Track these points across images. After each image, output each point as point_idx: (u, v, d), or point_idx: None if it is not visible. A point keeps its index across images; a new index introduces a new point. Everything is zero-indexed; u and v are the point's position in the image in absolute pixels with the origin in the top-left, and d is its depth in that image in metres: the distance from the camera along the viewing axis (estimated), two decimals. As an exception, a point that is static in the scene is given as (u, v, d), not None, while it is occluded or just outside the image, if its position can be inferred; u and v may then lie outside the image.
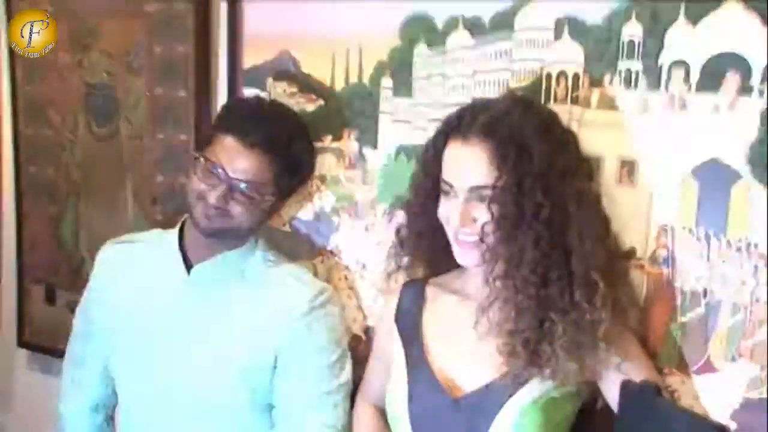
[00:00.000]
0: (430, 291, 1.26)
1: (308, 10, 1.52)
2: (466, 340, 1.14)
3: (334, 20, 1.49)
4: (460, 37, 1.39)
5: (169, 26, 1.67)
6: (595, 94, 1.27)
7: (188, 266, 1.32)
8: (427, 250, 1.23)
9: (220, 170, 1.22)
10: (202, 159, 1.25)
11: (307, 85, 1.54)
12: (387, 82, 1.46)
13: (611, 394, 1.11)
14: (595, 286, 1.05)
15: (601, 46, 1.26)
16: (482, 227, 1.09)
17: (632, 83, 1.24)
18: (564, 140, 1.13)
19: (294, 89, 1.54)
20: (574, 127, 1.29)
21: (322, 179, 1.55)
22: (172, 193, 1.74)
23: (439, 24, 1.40)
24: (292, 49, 1.55)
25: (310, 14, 1.52)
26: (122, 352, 1.37)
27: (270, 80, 1.58)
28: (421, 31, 1.42)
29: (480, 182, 1.09)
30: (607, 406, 1.16)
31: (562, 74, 1.30)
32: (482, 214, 1.09)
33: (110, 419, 1.53)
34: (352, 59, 1.49)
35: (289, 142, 1.26)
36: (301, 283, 1.34)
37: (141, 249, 1.39)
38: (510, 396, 1.10)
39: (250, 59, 1.60)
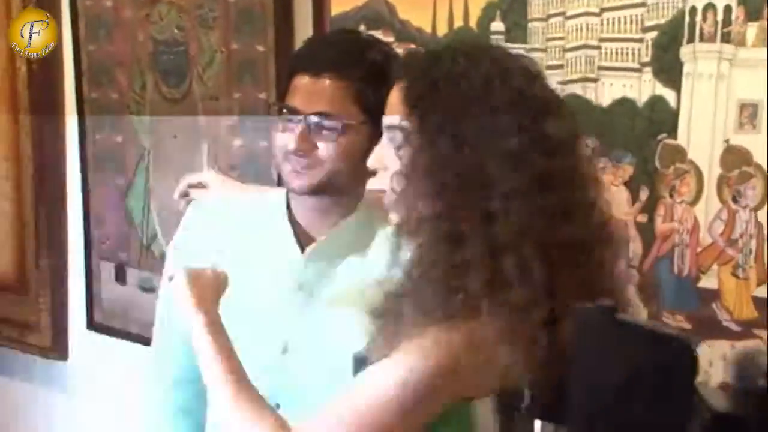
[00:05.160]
0: None
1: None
2: None
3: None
4: (585, -33, 1.33)
5: (245, -29, 1.68)
6: (752, 30, 1.20)
7: (296, 232, 1.23)
8: None
9: (295, 111, 1.15)
10: (276, 107, 1.19)
11: (404, 32, 1.49)
12: (498, 25, 1.41)
13: None
14: (528, 260, 0.87)
15: (761, -31, 1.18)
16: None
17: (802, 13, 1.16)
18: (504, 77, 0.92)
19: (390, 38, 1.48)
20: (725, 69, 1.23)
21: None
22: (252, 158, 1.71)
23: (561, -47, 1.34)
24: (387, -8, 1.51)
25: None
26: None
27: (362, 29, 1.51)
28: (540, -37, 1.37)
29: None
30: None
31: (710, 7, 1.23)
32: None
33: (198, 396, 1.45)
34: (456, 1, 1.43)
35: (361, 54, 1.15)
36: None
37: (239, 210, 1.29)
38: None
39: (337, 5, 1.56)
